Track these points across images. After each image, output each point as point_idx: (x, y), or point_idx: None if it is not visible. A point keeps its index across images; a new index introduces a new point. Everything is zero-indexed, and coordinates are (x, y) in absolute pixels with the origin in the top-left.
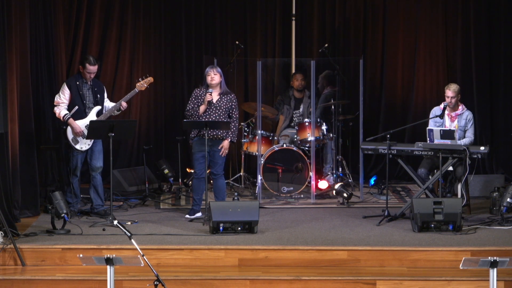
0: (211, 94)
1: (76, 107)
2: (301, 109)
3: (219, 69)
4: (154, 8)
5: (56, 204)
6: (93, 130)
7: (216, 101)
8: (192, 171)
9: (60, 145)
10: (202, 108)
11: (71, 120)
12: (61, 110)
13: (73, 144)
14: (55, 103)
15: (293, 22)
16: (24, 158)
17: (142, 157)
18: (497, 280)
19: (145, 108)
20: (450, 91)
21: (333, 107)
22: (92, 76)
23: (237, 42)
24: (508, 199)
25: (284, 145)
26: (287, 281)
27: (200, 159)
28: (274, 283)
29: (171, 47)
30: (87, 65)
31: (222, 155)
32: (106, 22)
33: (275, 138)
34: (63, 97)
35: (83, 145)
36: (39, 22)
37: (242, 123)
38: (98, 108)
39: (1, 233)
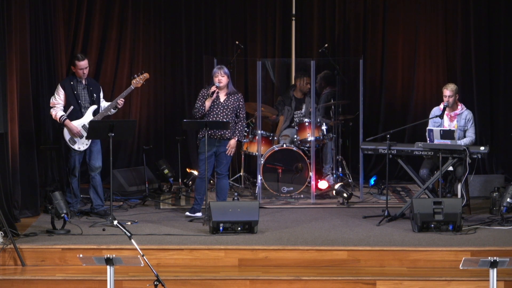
0: (216, 87)
1: (72, 107)
2: (303, 110)
3: (226, 70)
4: (154, 8)
5: (56, 204)
6: (93, 130)
7: (224, 101)
8: (192, 171)
9: (60, 145)
10: (207, 103)
11: (67, 121)
12: (57, 112)
13: (70, 144)
14: (51, 105)
15: (293, 22)
16: (24, 158)
17: (142, 157)
18: (497, 280)
19: (145, 108)
20: (448, 90)
21: (333, 107)
22: (86, 71)
23: (237, 42)
24: (508, 199)
25: (284, 145)
26: (287, 281)
27: (205, 160)
28: (274, 283)
29: (171, 47)
30: (76, 62)
31: (229, 154)
32: (106, 22)
33: (275, 138)
34: (58, 98)
35: (81, 145)
36: (39, 22)
37: None
38: (94, 107)
39: (1, 233)
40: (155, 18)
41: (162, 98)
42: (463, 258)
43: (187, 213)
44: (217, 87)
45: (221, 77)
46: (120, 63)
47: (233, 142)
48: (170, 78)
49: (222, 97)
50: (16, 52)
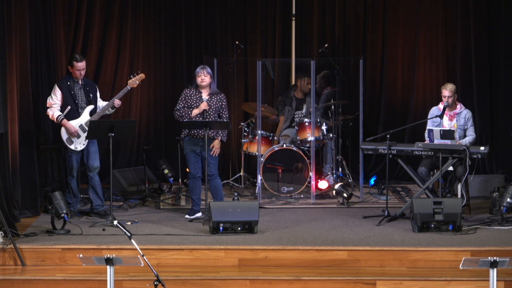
0: (207, 104)
1: (69, 107)
2: (304, 110)
3: (209, 70)
4: (154, 8)
5: (56, 204)
6: (93, 130)
7: (206, 101)
8: None
9: (60, 145)
10: (194, 112)
11: (64, 121)
12: (54, 112)
13: (68, 144)
14: (47, 105)
15: (293, 22)
16: (24, 158)
17: (142, 157)
18: (497, 280)
19: (145, 108)
20: (447, 91)
21: (333, 107)
22: (82, 73)
23: (237, 42)
24: (508, 199)
25: (284, 145)
26: (287, 281)
27: (193, 159)
28: (274, 283)
29: (171, 47)
30: (74, 63)
31: (214, 155)
32: (106, 22)
33: (275, 138)
34: (55, 98)
35: (78, 145)
36: (39, 22)
37: (242, 123)
38: (91, 107)
39: (1, 233)
40: (155, 18)
41: (162, 98)
42: (463, 258)
43: (187, 216)
44: (206, 102)
45: (203, 77)
46: (120, 63)
47: (216, 142)
48: (170, 78)
49: (205, 97)
50: (16, 52)
